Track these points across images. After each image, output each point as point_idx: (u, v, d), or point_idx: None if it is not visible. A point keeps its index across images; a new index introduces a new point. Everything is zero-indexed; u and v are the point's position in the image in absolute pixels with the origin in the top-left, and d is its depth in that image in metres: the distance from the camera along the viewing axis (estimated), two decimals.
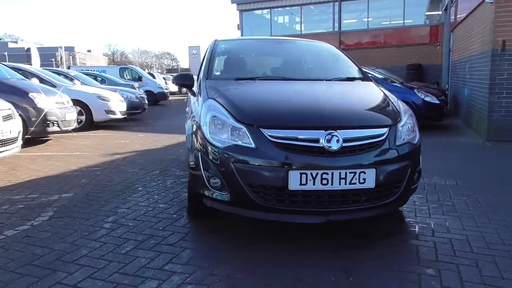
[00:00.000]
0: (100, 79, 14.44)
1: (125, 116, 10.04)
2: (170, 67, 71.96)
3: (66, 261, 2.45)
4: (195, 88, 3.70)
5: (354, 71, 3.79)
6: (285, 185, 2.46)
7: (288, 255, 2.50)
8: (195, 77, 3.82)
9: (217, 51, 3.85)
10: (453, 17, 13.04)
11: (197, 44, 43.59)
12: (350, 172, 2.47)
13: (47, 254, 2.55)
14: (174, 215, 3.25)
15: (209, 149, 2.68)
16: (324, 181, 2.45)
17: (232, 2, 22.12)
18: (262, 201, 2.52)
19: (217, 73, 3.53)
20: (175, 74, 3.96)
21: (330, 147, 2.49)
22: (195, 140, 2.86)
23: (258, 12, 22.68)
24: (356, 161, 2.50)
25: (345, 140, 2.51)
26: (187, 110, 5.36)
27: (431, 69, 18.60)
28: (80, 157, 5.75)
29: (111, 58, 75.52)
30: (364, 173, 2.48)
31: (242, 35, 21.00)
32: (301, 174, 2.45)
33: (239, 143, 2.57)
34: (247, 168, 2.53)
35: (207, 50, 4.01)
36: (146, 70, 28.15)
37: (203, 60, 4.31)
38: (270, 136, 2.53)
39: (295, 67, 3.85)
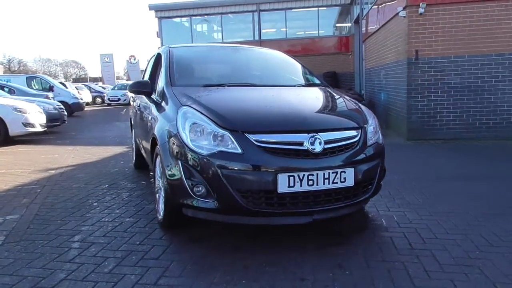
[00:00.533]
0: (7, 89, 13.09)
1: (45, 129, 9.25)
2: (78, 76, 67.49)
3: (45, 287, 2.23)
4: (154, 96, 3.59)
5: (313, 78, 3.99)
6: (274, 188, 2.52)
7: (279, 257, 2.56)
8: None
9: (175, 57, 3.78)
10: (364, 29, 14.22)
11: (109, 52, 41.79)
12: (332, 172, 2.61)
13: (19, 282, 2.29)
14: (146, 228, 3.12)
15: (191, 156, 2.64)
16: (310, 182, 2.56)
17: (150, 9, 21.59)
18: (252, 205, 2.55)
19: (181, 80, 3.46)
20: (130, 82, 3.79)
21: (314, 149, 2.61)
22: (171, 149, 2.79)
23: (177, 20, 22.43)
24: (337, 161, 2.65)
25: (326, 142, 2.65)
26: (132, 120, 5.18)
27: (345, 76, 20.04)
28: (9, 175, 5.20)
29: (7, 66, 68.66)
30: (345, 172, 2.64)
31: (162, 43, 20.56)
32: (289, 176, 2.53)
33: (224, 149, 2.58)
34: (235, 174, 2.54)
35: (161, 57, 3.91)
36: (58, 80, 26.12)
37: (156, 67, 4.22)
38: (255, 141, 2.57)
39: (259, 74, 3.93)
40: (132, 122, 5.23)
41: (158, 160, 3.12)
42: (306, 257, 2.56)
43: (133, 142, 5.43)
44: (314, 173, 2.57)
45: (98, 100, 27.95)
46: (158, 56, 4.44)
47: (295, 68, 4.15)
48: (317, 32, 21.37)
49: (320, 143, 2.63)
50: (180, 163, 2.70)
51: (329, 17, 21.51)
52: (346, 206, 2.74)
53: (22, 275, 2.38)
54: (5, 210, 3.66)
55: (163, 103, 3.29)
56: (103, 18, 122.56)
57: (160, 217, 3.11)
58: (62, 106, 11.57)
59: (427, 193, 3.97)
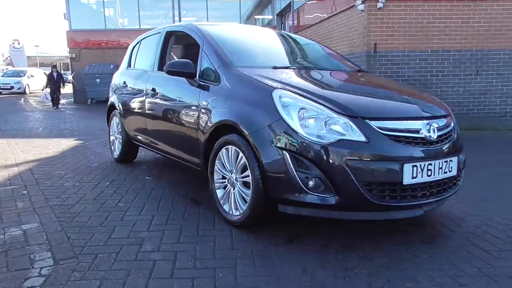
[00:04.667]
0: None
1: None
2: None
3: None
4: (197, 79, 3.13)
5: (351, 64, 3.86)
6: (399, 179, 2.35)
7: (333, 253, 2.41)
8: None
9: (214, 36, 3.32)
10: (296, 21, 14.50)
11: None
12: (444, 161, 2.53)
13: None
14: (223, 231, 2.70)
15: (303, 146, 2.33)
16: (429, 172, 2.45)
17: None
18: (377, 199, 2.34)
19: (239, 61, 3.05)
20: (169, 63, 3.22)
21: (430, 136, 2.49)
22: (270, 137, 2.43)
23: (85, 1, 20.34)
24: (447, 150, 2.58)
25: (437, 129, 2.56)
26: (119, 110, 4.46)
27: None
28: None
29: None
30: (452, 161, 2.58)
31: (70, 27, 18.45)
32: (413, 166, 2.38)
33: (346, 137, 2.32)
34: (361, 164, 2.31)
35: (172, 36, 3.48)
36: None
37: (164, 48, 3.78)
38: (378, 128, 2.37)
39: (311, 57, 3.66)
40: (122, 112, 4.52)
41: (228, 151, 2.72)
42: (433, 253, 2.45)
43: (118, 135, 4.71)
44: (432, 162, 2.46)
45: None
46: (168, 35, 3.91)
47: (326, 51, 3.95)
48: (239, 23, 21.22)
49: (434, 130, 2.53)
50: (287, 154, 2.37)
51: (250, 8, 21.54)
52: (447, 196, 2.68)
53: None
54: (9, 219, 2.87)
55: (225, 85, 2.87)
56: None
57: (234, 216, 2.72)
58: None
59: None
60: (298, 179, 2.35)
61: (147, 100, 3.87)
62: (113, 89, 4.88)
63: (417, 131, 2.47)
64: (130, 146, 4.60)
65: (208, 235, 2.62)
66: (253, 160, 2.53)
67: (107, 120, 5.09)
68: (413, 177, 2.38)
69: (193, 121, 3.12)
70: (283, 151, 2.38)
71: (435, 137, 2.51)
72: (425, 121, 2.52)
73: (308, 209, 2.44)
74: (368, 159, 2.32)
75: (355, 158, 2.30)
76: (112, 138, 4.97)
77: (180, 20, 20.23)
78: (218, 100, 2.89)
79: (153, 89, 3.75)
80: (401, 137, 2.40)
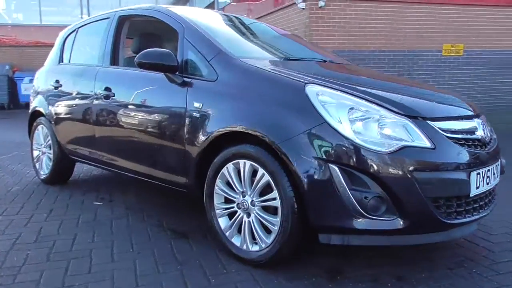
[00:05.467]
0: None
1: None
2: None
3: None
4: (179, 74, 2.41)
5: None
6: (467, 191, 1.92)
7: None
8: None
9: (197, 22, 2.61)
10: None
11: None
12: (495, 165, 2.16)
13: None
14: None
15: (361, 157, 1.78)
16: (487, 180, 2.06)
17: None
18: (445, 217, 1.88)
19: (239, 52, 2.39)
20: (141, 53, 2.41)
21: (486, 137, 2.11)
22: (311, 146, 1.84)
23: None
24: (495, 151, 2.22)
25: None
26: (51, 119, 3.44)
27: None
28: None
29: None
30: (497, 166, 2.23)
31: None
32: (477, 175, 1.97)
33: (411, 143, 1.82)
34: (430, 176, 1.83)
35: (169, 20, 2.64)
36: None
37: (117, 36, 3.03)
38: (442, 130, 1.91)
39: (306, 50, 3.10)
40: (54, 119, 3.52)
41: (240, 167, 2.07)
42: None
43: (47, 149, 3.70)
44: (490, 167, 2.07)
45: None
46: (121, 21, 3.11)
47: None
48: None
49: (484, 130, 2.15)
50: (336, 168, 1.79)
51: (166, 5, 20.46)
52: (494, 205, 2.31)
53: None
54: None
55: (225, 81, 2.21)
56: None
57: (252, 252, 2.07)
58: None
59: None
60: (353, 199, 1.79)
61: (97, 103, 2.98)
62: (38, 91, 3.83)
63: (473, 132, 2.07)
64: (65, 163, 3.62)
65: (225, 282, 1.93)
66: (282, 177, 1.91)
67: (28, 131, 4.01)
68: (477, 187, 1.97)
69: (177, 129, 2.38)
70: (331, 165, 1.80)
71: (489, 138, 2.14)
72: (478, 120, 2.14)
73: (362, 237, 1.89)
74: (436, 169, 1.85)
75: (421, 169, 1.81)
76: (36, 153, 3.91)
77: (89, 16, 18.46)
78: (217, 101, 2.21)
79: (107, 89, 2.89)
80: (462, 139, 1.98)
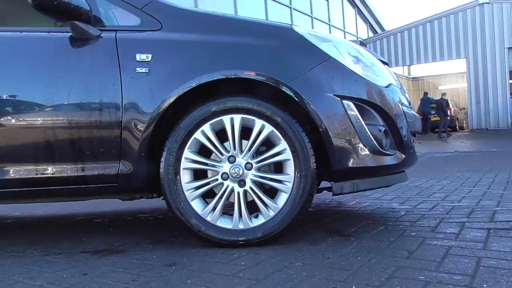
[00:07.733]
0: None
1: None
2: None
3: None
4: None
5: None
6: None
7: None
8: None
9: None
10: None
11: None
12: None
13: None
14: None
15: (368, 90, 1.79)
16: None
17: None
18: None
19: None
20: None
21: None
22: (321, 84, 1.67)
23: None
24: None
25: None
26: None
27: None
28: None
29: None
30: None
31: None
32: None
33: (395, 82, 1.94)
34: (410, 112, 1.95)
35: None
36: None
37: None
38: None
39: None
40: None
41: (226, 124, 1.66)
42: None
43: None
44: None
45: None
46: None
47: None
48: None
49: None
50: (350, 103, 1.69)
51: None
52: None
53: None
54: None
55: (177, 29, 1.77)
56: None
57: (265, 224, 1.66)
58: None
59: None
60: (369, 134, 1.70)
61: None
62: None
63: None
64: None
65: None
66: (292, 124, 1.64)
67: None
68: None
69: (109, 99, 1.71)
70: (345, 101, 1.67)
71: None
72: None
73: (370, 179, 1.79)
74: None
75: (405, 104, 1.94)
76: None
77: None
78: (173, 53, 1.73)
79: None
80: None
